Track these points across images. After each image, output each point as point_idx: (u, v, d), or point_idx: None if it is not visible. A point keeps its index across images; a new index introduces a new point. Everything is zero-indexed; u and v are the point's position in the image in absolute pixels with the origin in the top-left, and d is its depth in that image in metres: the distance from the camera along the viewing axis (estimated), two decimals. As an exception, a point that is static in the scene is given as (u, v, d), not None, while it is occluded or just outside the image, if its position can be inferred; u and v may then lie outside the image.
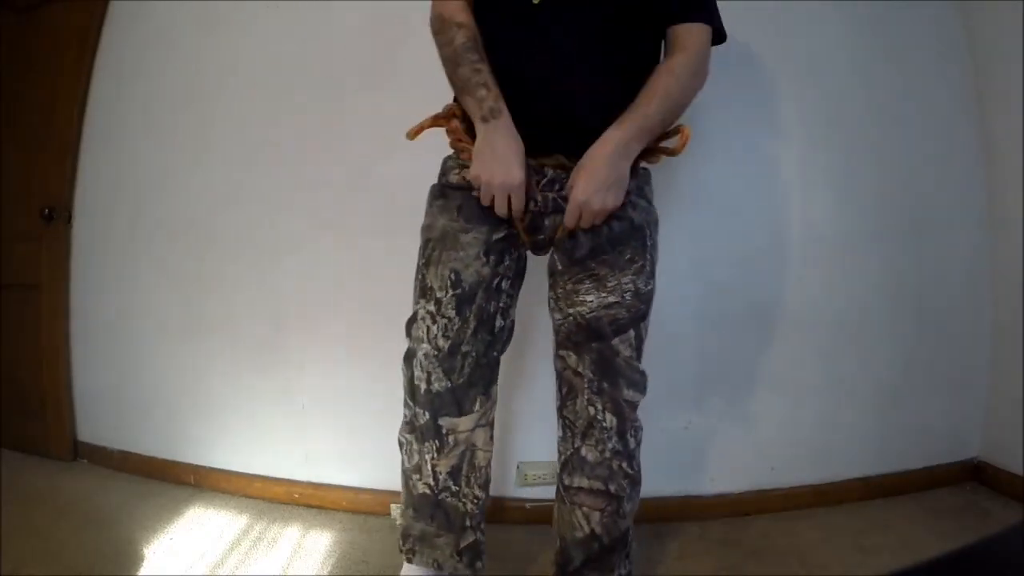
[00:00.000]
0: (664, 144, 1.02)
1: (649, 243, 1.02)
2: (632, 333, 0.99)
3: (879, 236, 1.64)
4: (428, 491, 1.03)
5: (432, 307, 0.99)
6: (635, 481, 1.03)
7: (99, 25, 1.87)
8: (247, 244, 1.70)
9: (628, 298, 0.98)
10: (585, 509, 1.01)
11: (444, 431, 1.00)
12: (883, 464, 1.66)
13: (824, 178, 1.62)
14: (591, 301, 0.98)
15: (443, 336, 0.98)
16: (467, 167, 0.98)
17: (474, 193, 0.97)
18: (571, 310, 0.99)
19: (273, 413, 1.69)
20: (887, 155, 1.64)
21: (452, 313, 0.98)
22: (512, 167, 0.92)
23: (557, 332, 1.04)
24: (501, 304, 1.02)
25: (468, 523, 1.03)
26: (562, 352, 1.03)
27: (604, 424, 0.99)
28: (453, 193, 1.02)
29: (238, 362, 1.72)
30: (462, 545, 1.03)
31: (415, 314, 1.03)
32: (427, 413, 1.00)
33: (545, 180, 0.99)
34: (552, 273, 1.04)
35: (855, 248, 1.63)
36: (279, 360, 1.68)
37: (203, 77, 1.74)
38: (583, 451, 1.01)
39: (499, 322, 1.02)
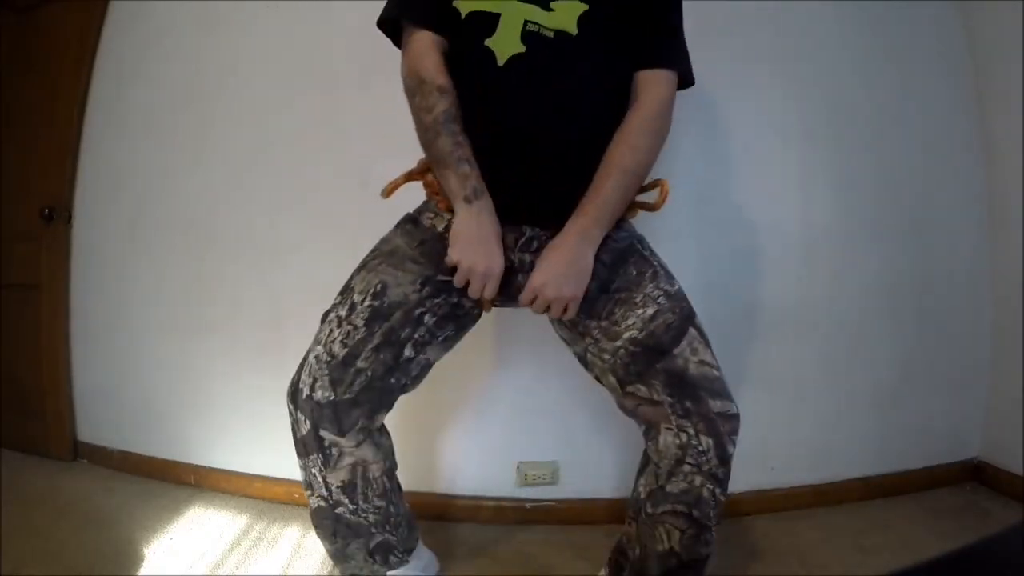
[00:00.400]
0: (642, 199, 1.00)
1: (646, 253, 1.00)
2: (693, 332, 0.93)
3: (879, 236, 1.64)
4: (323, 503, 0.99)
5: (344, 311, 0.95)
6: (721, 506, 0.95)
7: (99, 25, 1.87)
8: (247, 244, 1.70)
9: (664, 302, 0.94)
10: (667, 526, 0.94)
11: (326, 443, 0.95)
12: (883, 464, 1.66)
13: (824, 178, 1.62)
14: (633, 323, 0.92)
15: (341, 343, 0.93)
16: (440, 216, 0.98)
17: (443, 241, 0.94)
18: (618, 342, 0.93)
19: (273, 413, 1.68)
20: (887, 155, 1.64)
21: (360, 323, 0.93)
22: (495, 254, 0.90)
23: (614, 373, 0.95)
24: (416, 336, 0.95)
25: (373, 530, 1.02)
26: (629, 389, 0.94)
27: (700, 447, 0.90)
28: (425, 230, 1.00)
29: (238, 362, 1.72)
30: (372, 545, 1.02)
31: (328, 313, 0.99)
32: (308, 422, 0.95)
33: (524, 239, 0.97)
34: (573, 324, 0.98)
35: (855, 248, 1.63)
36: (279, 360, 1.67)
37: (203, 77, 1.74)
38: (668, 487, 0.93)
39: (408, 352, 0.96)
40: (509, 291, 0.98)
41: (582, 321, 0.97)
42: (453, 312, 0.98)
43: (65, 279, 1.92)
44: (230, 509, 1.63)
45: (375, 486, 1.00)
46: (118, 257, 1.85)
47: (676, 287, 0.98)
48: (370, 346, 0.93)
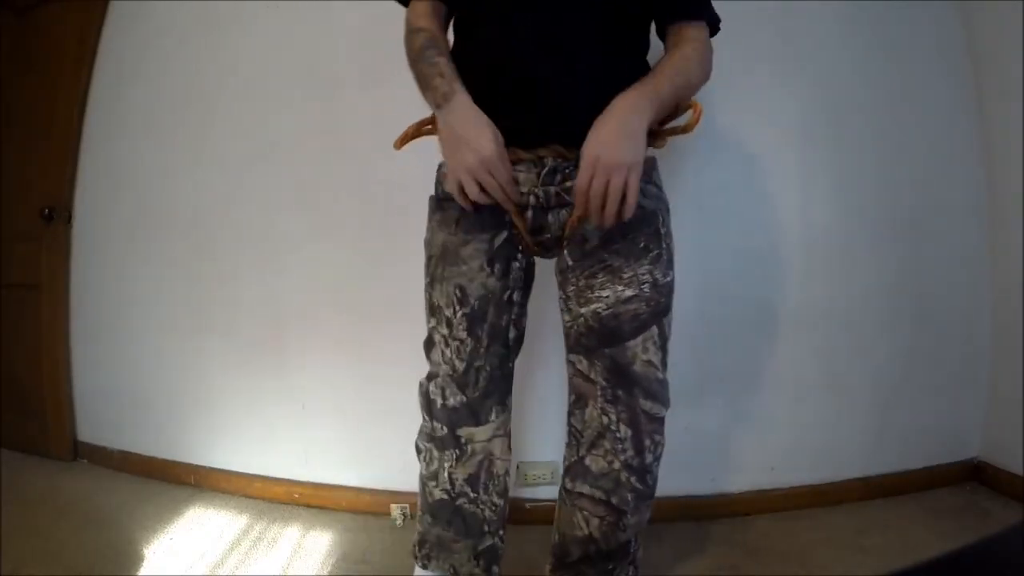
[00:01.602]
0: (673, 125, 0.96)
1: (663, 230, 0.97)
2: (655, 330, 0.93)
3: (879, 236, 1.64)
4: (445, 496, 1.02)
5: (445, 330, 0.97)
6: (644, 496, 0.97)
7: (99, 25, 1.87)
8: (247, 244, 1.70)
9: (647, 290, 0.92)
10: (585, 513, 0.98)
11: (463, 440, 1.00)
12: (883, 464, 1.66)
13: (824, 178, 1.62)
14: (607, 296, 0.92)
15: (458, 358, 0.97)
16: None
17: None
18: (583, 309, 0.93)
19: (273, 413, 1.69)
20: (887, 155, 1.64)
21: (464, 335, 0.96)
22: (480, 139, 0.84)
23: (567, 336, 0.98)
24: (513, 316, 0.99)
25: (487, 528, 1.03)
26: (572, 357, 0.98)
27: (618, 435, 0.93)
28: (450, 204, 0.98)
29: (238, 362, 1.72)
30: (479, 548, 1.03)
31: (430, 337, 1.01)
32: (444, 427, 0.99)
33: (545, 171, 0.93)
34: (562, 270, 0.98)
35: (855, 248, 1.63)
36: (279, 360, 1.68)
37: (203, 77, 1.74)
38: (587, 461, 0.96)
39: (512, 333, 1.00)
40: (547, 241, 0.97)
41: (569, 266, 0.96)
42: (527, 275, 1.01)
43: (65, 279, 1.92)
44: (230, 509, 1.63)
45: (497, 482, 1.03)
46: (118, 257, 1.85)
47: (668, 279, 0.96)
48: (482, 348, 0.97)
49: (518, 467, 1.58)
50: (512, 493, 1.56)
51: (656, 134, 0.95)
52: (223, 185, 1.72)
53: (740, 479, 1.60)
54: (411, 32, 0.97)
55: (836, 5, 1.60)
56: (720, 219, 1.59)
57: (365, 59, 1.60)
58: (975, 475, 1.70)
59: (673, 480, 1.57)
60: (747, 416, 1.61)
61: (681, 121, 0.94)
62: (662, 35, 1.01)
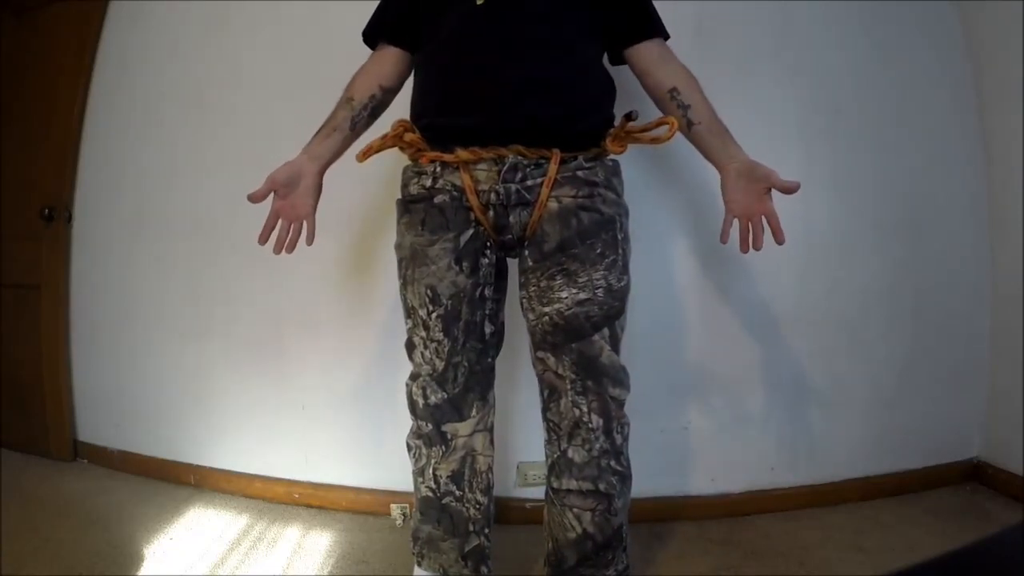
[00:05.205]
0: (656, 134, 0.99)
1: (620, 236, 0.99)
2: (607, 332, 0.97)
3: (879, 236, 1.64)
4: (431, 494, 1.05)
5: (423, 332, 1.01)
6: (625, 477, 1.02)
7: (99, 25, 1.87)
8: (247, 244, 1.69)
9: (600, 295, 0.96)
10: (576, 510, 1.00)
11: (448, 436, 1.03)
12: (883, 464, 1.66)
13: (824, 178, 1.61)
14: (566, 298, 0.95)
15: (438, 358, 1.01)
16: (425, 173, 0.99)
17: (435, 201, 0.97)
18: (546, 308, 0.97)
19: (273, 413, 1.69)
20: (887, 154, 1.64)
21: (440, 336, 0.99)
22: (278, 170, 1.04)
23: (532, 334, 1.02)
24: (487, 311, 1.02)
25: (472, 528, 1.05)
26: (540, 354, 1.01)
27: (590, 425, 0.98)
28: (415, 206, 1.01)
29: (239, 362, 1.72)
30: (466, 549, 1.04)
31: (411, 340, 1.04)
32: (429, 424, 1.03)
33: (506, 168, 0.95)
34: (523, 271, 1.01)
35: (855, 248, 1.63)
36: (279, 360, 1.68)
37: (203, 77, 1.74)
38: (570, 452, 1.00)
39: (488, 328, 1.03)
40: (508, 241, 1.00)
41: (530, 266, 0.99)
42: (498, 268, 1.03)
43: (65, 279, 1.92)
44: (230, 509, 1.63)
45: (480, 479, 1.06)
46: (118, 257, 1.85)
47: (623, 283, 0.99)
48: (459, 345, 1.00)
49: (518, 467, 1.58)
50: (512, 493, 1.58)
51: (619, 139, 0.99)
52: (223, 185, 1.72)
53: (740, 479, 1.60)
54: (356, 74, 1.13)
55: (835, 5, 1.60)
56: (719, 219, 1.59)
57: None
58: (975, 475, 1.70)
59: (673, 480, 1.58)
60: (747, 416, 1.61)
61: (660, 133, 0.98)
62: (626, 44, 1.04)
